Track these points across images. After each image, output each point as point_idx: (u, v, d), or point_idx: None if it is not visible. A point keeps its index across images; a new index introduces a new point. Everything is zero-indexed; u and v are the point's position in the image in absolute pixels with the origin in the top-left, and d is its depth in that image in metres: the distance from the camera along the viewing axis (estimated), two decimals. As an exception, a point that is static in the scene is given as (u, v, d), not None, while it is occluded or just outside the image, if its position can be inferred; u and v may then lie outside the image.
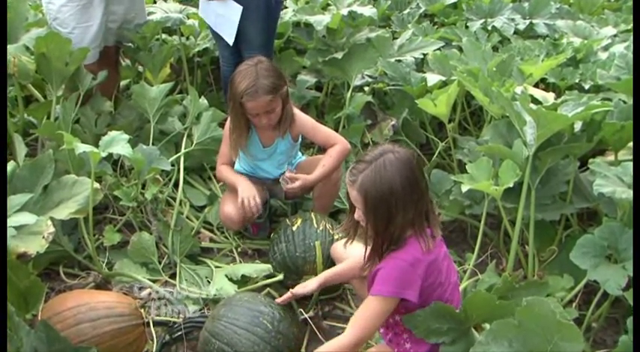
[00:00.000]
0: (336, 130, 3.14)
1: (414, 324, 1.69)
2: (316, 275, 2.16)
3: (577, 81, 3.05)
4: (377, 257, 1.69)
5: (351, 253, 1.99)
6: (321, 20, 3.37)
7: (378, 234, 1.66)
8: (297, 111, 2.52)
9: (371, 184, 1.61)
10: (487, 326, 1.67)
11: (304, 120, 2.51)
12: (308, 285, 1.98)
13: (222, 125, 2.98)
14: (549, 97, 2.57)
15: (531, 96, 2.51)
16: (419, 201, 1.64)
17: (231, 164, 2.58)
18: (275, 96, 2.31)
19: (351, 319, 1.70)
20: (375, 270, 1.67)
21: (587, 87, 2.98)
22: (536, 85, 2.96)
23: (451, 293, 1.75)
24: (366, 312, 1.66)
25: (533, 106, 2.17)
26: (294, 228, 2.29)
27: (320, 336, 2.02)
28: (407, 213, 1.62)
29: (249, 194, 2.40)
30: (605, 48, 3.47)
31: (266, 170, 2.59)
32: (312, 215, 2.36)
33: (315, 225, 2.29)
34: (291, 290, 1.98)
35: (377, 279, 1.65)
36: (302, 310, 2.12)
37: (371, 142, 3.07)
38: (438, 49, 3.38)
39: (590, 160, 2.17)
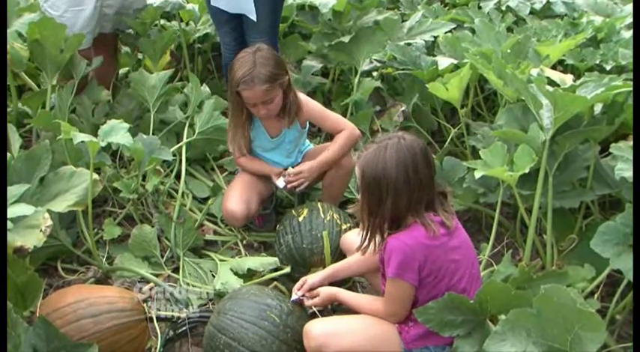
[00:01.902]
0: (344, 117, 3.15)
1: (426, 317, 1.69)
2: (324, 267, 2.17)
3: (597, 62, 3.02)
4: (373, 236, 1.77)
5: (354, 241, 2.00)
6: (326, 2, 3.36)
7: (370, 213, 1.75)
8: (304, 97, 2.51)
9: (368, 163, 1.72)
10: (503, 317, 1.67)
11: (312, 105, 2.51)
12: (311, 279, 2.02)
13: (225, 114, 2.99)
14: (567, 79, 2.54)
15: (548, 78, 2.49)
16: (415, 190, 1.70)
17: (250, 152, 2.60)
18: (272, 85, 2.29)
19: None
20: (383, 250, 1.75)
21: (608, 68, 2.95)
22: (553, 67, 2.92)
23: (468, 284, 1.76)
24: (389, 295, 1.78)
25: (549, 88, 2.15)
26: (300, 219, 2.29)
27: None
28: (398, 200, 1.70)
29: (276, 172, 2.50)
30: (629, 26, 3.43)
31: (274, 160, 2.60)
32: (319, 205, 2.36)
33: (322, 215, 2.29)
34: (300, 295, 2.01)
35: (384, 263, 1.75)
36: (310, 303, 2.12)
37: (380, 129, 3.06)
38: (450, 31, 3.36)
39: (612, 144, 2.15)
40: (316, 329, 1.81)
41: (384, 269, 1.77)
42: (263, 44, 2.42)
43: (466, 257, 1.78)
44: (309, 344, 1.80)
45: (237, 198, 2.48)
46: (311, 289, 2.01)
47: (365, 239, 1.80)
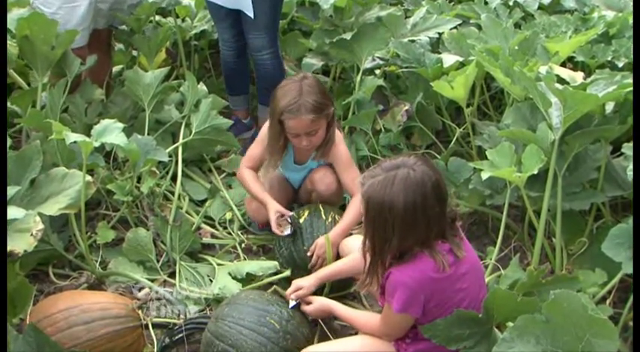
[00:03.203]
0: (345, 117, 3.15)
1: (433, 333, 1.69)
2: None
3: (609, 59, 3.00)
4: (376, 273, 1.71)
5: (353, 247, 2.01)
6: (327, -2, 3.36)
7: (374, 249, 1.68)
8: (340, 140, 2.43)
9: (374, 195, 1.63)
10: (511, 324, 1.66)
11: (342, 149, 2.42)
12: (304, 284, 2.02)
13: (222, 113, 2.99)
14: (577, 77, 2.53)
15: (557, 76, 2.48)
16: (424, 229, 1.63)
17: (257, 170, 2.53)
18: (319, 116, 2.25)
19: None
20: (385, 278, 1.69)
21: (620, 65, 2.93)
22: (563, 65, 2.91)
23: (474, 309, 1.72)
24: (389, 321, 1.75)
25: (559, 86, 2.14)
26: (301, 221, 2.29)
27: (331, 337, 2.02)
28: (405, 240, 1.63)
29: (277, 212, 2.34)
30: (643, 21, 3.40)
31: (293, 179, 2.58)
32: (320, 206, 2.36)
33: (324, 217, 2.28)
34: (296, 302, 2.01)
35: (386, 291, 1.70)
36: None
37: (383, 129, 3.05)
38: (455, 27, 3.35)
39: (624, 144, 2.14)
40: None
41: (384, 295, 1.73)
42: (308, 73, 2.37)
43: (474, 282, 1.74)
44: None
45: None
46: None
47: (367, 275, 1.73)
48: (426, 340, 1.72)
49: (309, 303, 2.00)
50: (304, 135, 2.28)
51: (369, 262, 1.71)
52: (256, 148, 2.50)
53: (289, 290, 2.06)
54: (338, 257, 2.20)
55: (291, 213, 2.31)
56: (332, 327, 2.11)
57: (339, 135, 2.42)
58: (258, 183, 2.47)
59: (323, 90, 2.31)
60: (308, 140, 2.30)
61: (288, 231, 2.27)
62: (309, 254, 2.22)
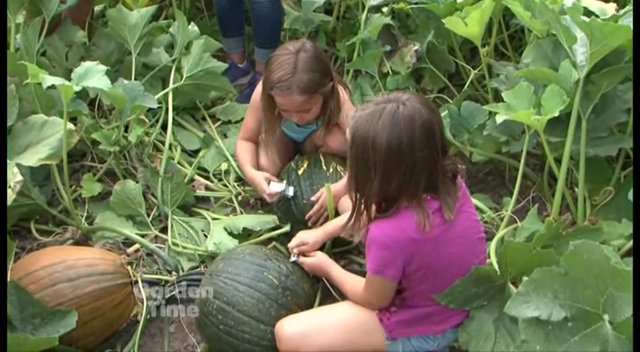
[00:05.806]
0: (350, 59, 3.09)
1: (452, 298, 1.68)
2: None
3: (647, -14, 2.89)
4: (359, 217, 1.68)
5: None
6: None
7: (357, 189, 1.64)
8: (345, 101, 2.35)
9: (359, 129, 1.59)
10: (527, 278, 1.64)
11: (349, 113, 2.26)
12: (309, 240, 2.00)
13: (216, 56, 2.94)
14: (609, 9, 2.43)
15: (585, 8, 2.39)
16: (408, 172, 1.56)
17: (255, 140, 2.49)
18: (311, 96, 2.19)
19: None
20: (364, 235, 1.67)
21: (659, -7, 2.83)
22: (592, -4, 2.81)
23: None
24: (369, 286, 1.74)
25: (585, 19, 2.06)
26: (300, 172, 2.28)
27: (334, 293, 2.02)
28: (387, 182, 1.57)
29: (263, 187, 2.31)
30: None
31: (295, 137, 2.54)
32: (321, 156, 2.34)
33: (325, 167, 2.27)
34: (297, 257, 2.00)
35: (366, 251, 1.69)
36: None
37: (390, 72, 2.99)
38: (471, -43, 3.23)
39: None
40: (290, 329, 1.78)
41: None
42: (308, 41, 2.27)
43: (466, 248, 1.69)
44: (282, 347, 1.78)
45: (264, 155, 2.46)
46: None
47: (351, 217, 1.70)
48: (411, 309, 1.72)
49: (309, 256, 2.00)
50: (294, 112, 2.24)
51: (353, 203, 1.68)
52: (249, 118, 2.48)
53: (292, 242, 2.05)
54: (337, 214, 2.17)
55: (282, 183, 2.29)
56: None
57: (344, 98, 2.34)
58: (247, 155, 2.44)
59: (322, 66, 2.22)
60: (299, 117, 2.27)
61: (289, 192, 2.26)
62: (313, 199, 2.21)
